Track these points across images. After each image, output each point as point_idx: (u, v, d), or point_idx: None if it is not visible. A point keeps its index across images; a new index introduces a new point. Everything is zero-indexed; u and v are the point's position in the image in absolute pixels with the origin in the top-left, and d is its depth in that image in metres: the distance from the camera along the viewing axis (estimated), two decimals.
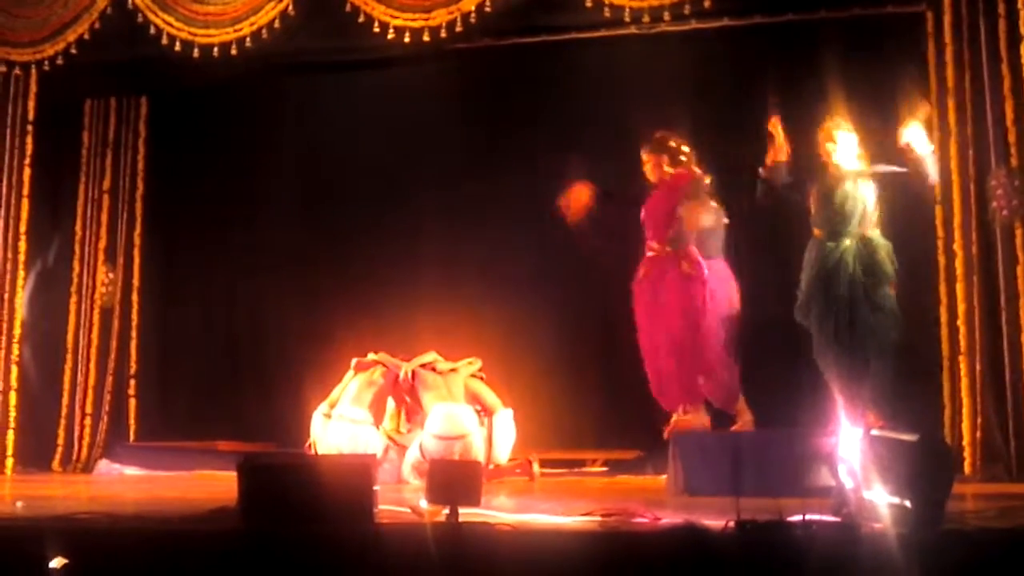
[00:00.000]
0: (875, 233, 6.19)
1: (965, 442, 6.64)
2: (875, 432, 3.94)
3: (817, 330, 6.08)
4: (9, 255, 8.40)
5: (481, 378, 7.35)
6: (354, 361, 7.41)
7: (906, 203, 7.08)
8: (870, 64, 7.35)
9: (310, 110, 8.96)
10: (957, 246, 6.84)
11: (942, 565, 3.36)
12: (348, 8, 7.44)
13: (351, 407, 7.13)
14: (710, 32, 7.54)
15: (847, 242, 6.12)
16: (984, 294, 6.74)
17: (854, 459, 3.93)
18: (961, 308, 6.78)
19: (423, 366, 7.34)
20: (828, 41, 7.47)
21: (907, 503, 3.57)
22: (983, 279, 6.75)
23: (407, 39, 7.43)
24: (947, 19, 6.92)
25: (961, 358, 6.75)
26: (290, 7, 7.56)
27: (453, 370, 7.33)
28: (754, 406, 6.61)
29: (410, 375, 7.25)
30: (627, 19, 7.24)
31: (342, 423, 7.06)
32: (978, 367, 6.69)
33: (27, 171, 8.43)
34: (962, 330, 6.76)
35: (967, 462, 6.59)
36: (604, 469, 7.62)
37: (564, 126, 8.32)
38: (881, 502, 3.69)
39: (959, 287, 6.81)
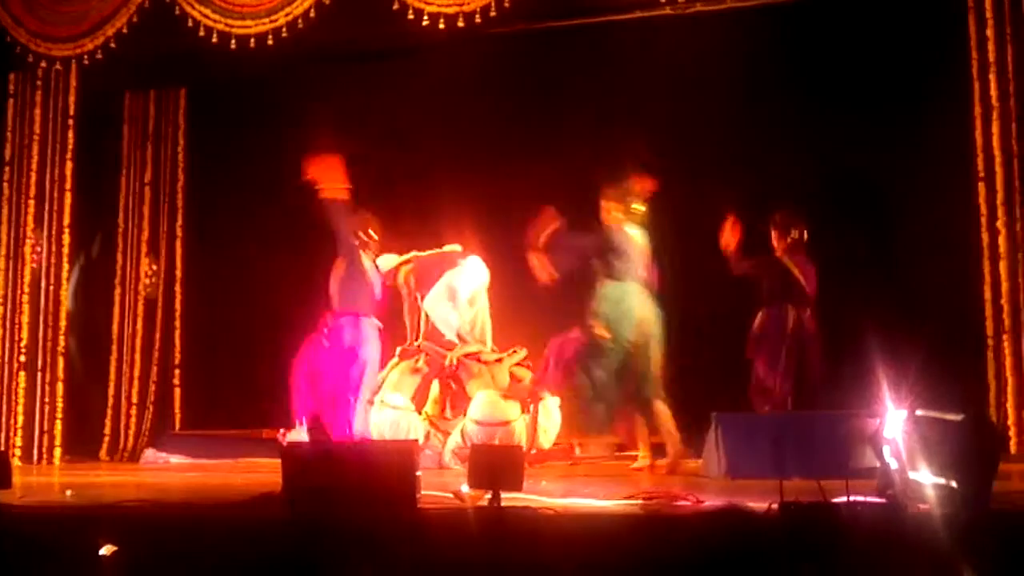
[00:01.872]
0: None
1: (1011, 421, 6.57)
2: (920, 412, 3.90)
3: None
4: (53, 248, 8.53)
5: (527, 366, 7.35)
6: (398, 349, 7.44)
7: (946, 181, 7.02)
8: (910, 39, 7.26)
9: (347, 98, 8.96)
10: (1000, 223, 6.75)
11: (989, 546, 3.33)
12: None
13: (392, 393, 7.18)
14: (746, 12, 7.46)
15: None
16: None
17: (899, 439, 3.90)
18: (1005, 286, 6.70)
19: (468, 356, 7.36)
20: (867, 19, 7.38)
21: (953, 483, 3.54)
22: None
23: (441, 25, 7.43)
24: None
25: (1005, 337, 6.67)
26: None
27: (498, 360, 7.35)
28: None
29: (455, 363, 7.27)
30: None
31: (383, 409, 7.10)
32: (1023, 345, 6.61)
33: (69, 165, 8.55)
34: (1006, 308, 6.68)
35: (1013, 441, 6.51)
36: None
37: (600, 110, 8.28)
38: (926, 483, 3.66)
39: (1003, 265, 6.72)
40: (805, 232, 6.63)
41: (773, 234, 6.69)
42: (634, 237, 6.58)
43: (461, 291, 7.42)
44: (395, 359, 7.40)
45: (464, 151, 8.45)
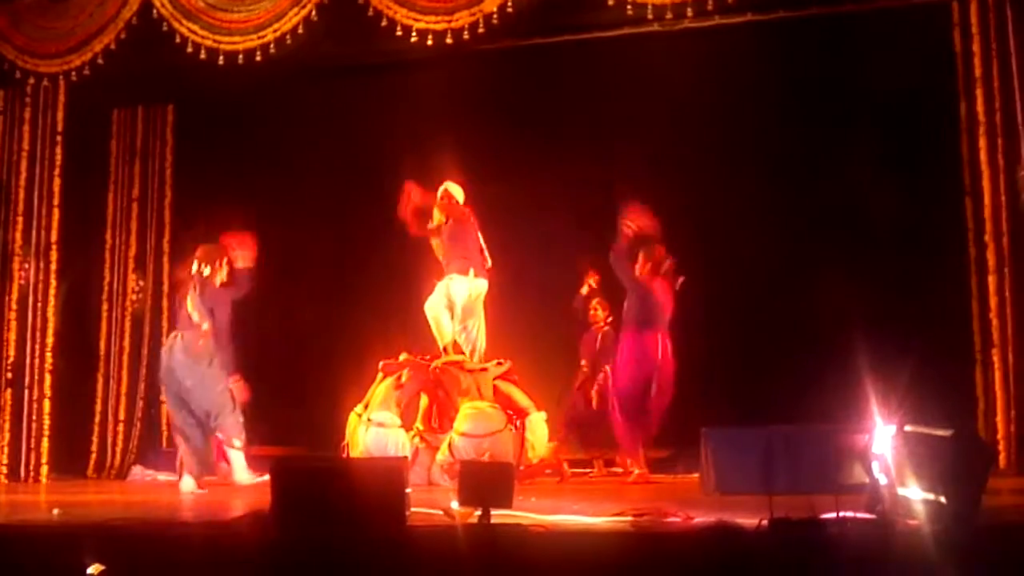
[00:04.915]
0: None
1: (999, 436, 6.59)
2: (909, 427, 3.91)
3: None
4: (41, 264, 8.49)
5: (513, 381, 7.33)
6: (381, 364, 7.42)
7: (933, 195, 7.06)
8: (896, 57, 7.30)
9: (335, 114, 8.97)
10: (988, 237, 6.78)
11: (979, 562, 3.33)
12: (371, 12, 7.47)
13: (378, 411, 7.13)
14: (733, 28, 7.50)
15: None
16: (1016, 286, 6.68)
17: (888, 455, 3.90)
18: (993, 301, 6.73)
19: (451, 364, 7.33)
20: (853, 35, 7.43)
21: (942, 499, 3.54)
22: (1014, 271, 6.69)
23: (429, 42, 7.44)
24: (973, 9, 6.87)
25: (994, 351, 6.70)
26: (313, 13, 7.60)
27: (482, 370, 7.32)
28: (786, 403, 6.67)
29: (439, 368, 7.25)
30: (650, 16, 7.23)
31: (370, 428, 7.06)
32: (1011, 359, 6.64)
33: (57, 181, 8.53)
34: (994, 323, 6.71)
35: (1002, 456, 6.53)
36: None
37: (589, 126, 8.30)
38: (915, 498, 3.66)
39: (990, 279, 6.76)
40: (672, 263, 7.05)
41: (641, 259, 7.03)
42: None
43: (458, 300, 7.42)
44: (380, 374, 7.37)
45: (451, 166, 8.45)
